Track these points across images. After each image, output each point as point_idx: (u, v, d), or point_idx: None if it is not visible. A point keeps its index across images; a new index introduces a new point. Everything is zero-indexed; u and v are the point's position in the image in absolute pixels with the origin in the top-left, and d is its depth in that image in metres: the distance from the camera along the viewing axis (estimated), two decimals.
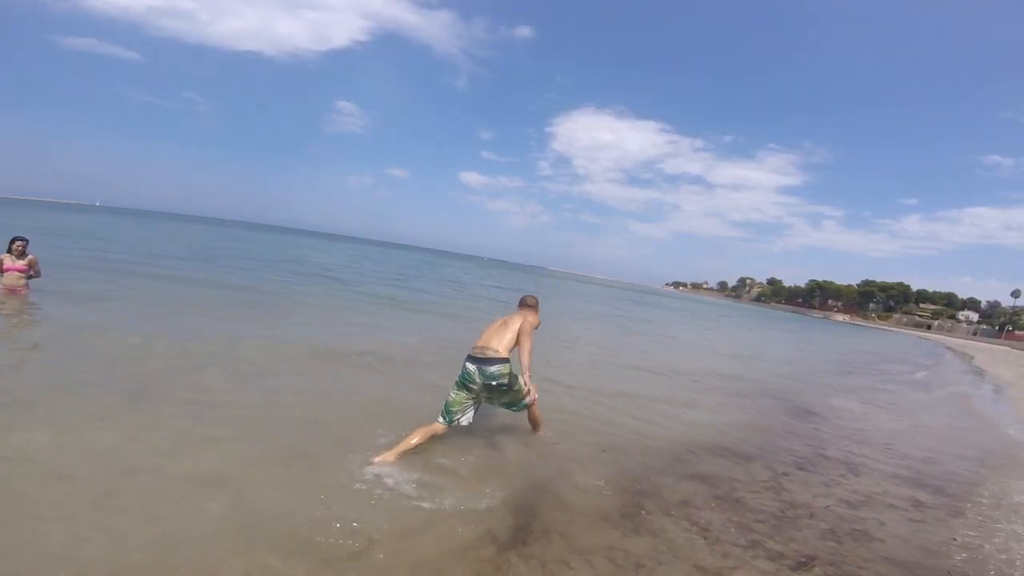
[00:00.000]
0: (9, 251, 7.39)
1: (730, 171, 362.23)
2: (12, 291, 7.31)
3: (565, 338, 11.74)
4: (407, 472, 3.52)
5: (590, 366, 8.90)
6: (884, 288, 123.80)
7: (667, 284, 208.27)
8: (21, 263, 7.41)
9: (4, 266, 7.32)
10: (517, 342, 4.11)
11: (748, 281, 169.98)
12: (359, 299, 13.67)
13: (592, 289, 52.04)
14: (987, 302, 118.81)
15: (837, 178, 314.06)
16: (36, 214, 36.40)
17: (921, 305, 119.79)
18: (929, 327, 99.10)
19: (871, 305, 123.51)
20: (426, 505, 3.17)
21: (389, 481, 3.37)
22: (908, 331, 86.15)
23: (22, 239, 7.44)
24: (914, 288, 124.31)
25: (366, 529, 2.82)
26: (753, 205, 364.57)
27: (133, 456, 3.34)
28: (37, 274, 7.63)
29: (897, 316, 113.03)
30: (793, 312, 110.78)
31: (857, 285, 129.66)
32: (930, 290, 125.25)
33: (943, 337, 72.62)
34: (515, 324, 4.18)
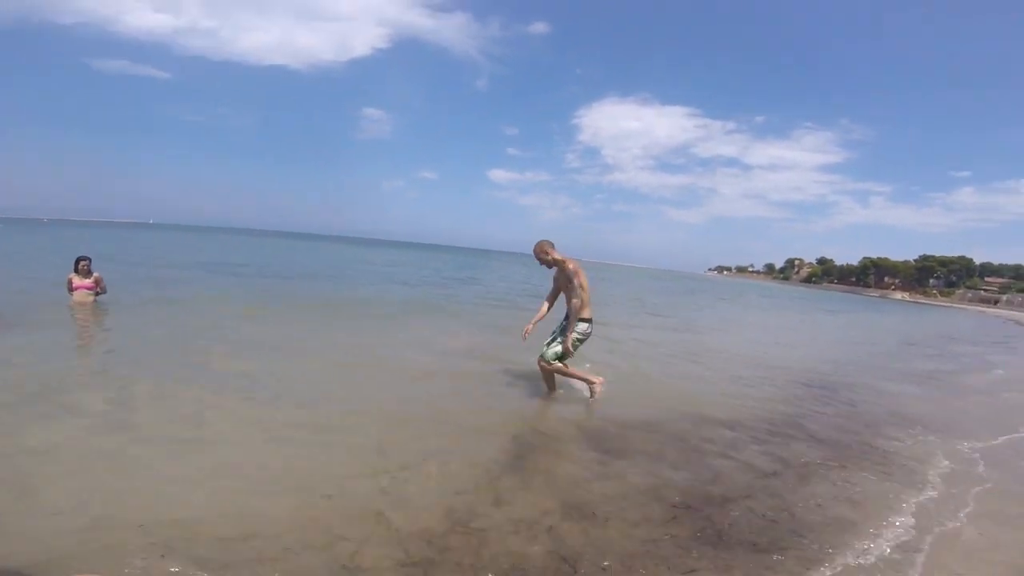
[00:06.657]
0: (76, 270, 8.00)
1: (766, 151, 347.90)
2: (83, 307, 7.91)
3: None
4: None
5: None
6: (944, 263, 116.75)
7: (710, 269, 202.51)
8: (88, 281, 8.02)
9: (73, 284, 7.95)
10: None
11: (796, 262, 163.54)
12: None
13: (648, 283, 49.26)
14: None
15: (880, 154, 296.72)
16: (96, 233, 38.46)
17: (986, 279, 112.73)
18: (996, 302, 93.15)
19: (931, 281, 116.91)
20: None
21: None
22: (975, 307, 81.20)
23: (86, 258, 8.06)
24: (977, 261, 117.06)
25: None
26: (793, 185, 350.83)
27: None
28: (103, 290, 8.23)
29: (961, 292, 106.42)
30: (849, 292, 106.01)
31: (914, 261, 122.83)
32: (995, 263, 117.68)
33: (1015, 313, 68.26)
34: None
